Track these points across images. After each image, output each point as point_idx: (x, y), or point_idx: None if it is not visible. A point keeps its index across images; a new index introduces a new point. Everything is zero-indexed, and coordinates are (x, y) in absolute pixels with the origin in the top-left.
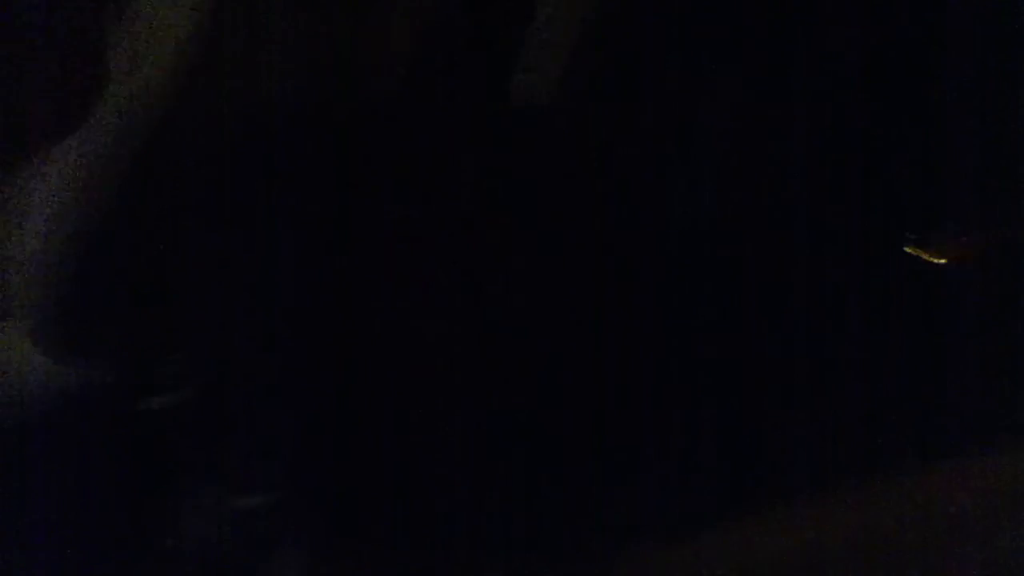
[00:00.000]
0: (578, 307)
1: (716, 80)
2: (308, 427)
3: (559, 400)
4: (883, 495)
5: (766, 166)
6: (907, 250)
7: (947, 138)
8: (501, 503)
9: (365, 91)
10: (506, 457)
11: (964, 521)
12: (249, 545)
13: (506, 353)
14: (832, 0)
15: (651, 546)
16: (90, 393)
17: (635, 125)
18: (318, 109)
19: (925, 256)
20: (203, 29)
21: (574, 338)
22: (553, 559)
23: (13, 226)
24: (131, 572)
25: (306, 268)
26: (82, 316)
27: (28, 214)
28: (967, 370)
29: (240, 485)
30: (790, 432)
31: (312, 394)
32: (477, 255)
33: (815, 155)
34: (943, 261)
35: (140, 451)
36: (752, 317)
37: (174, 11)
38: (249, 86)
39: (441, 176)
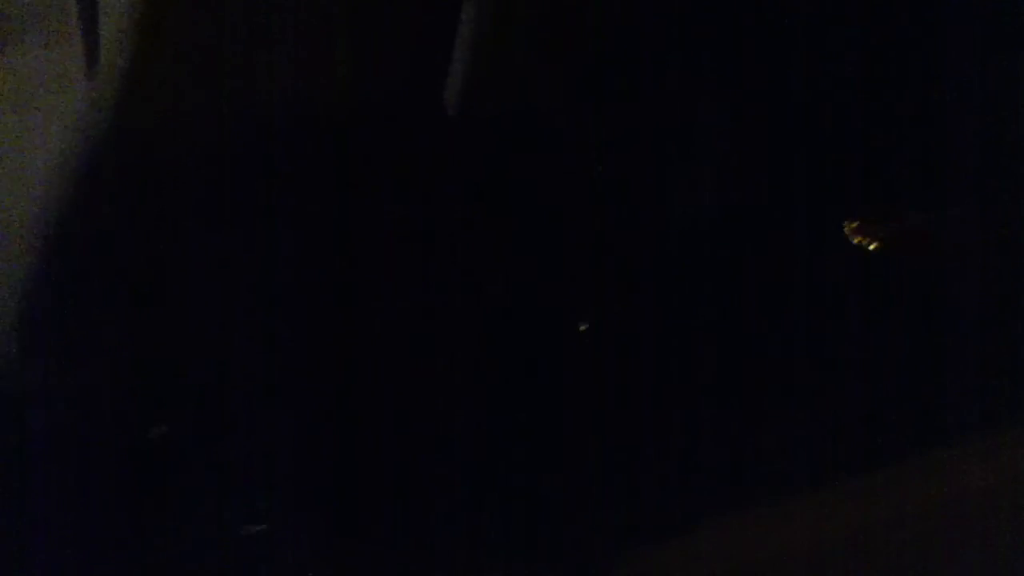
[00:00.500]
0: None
1: (653, 77)
2: (308, 428)
3: (549, 399)
4: (882, 493)
5: (706, 164)
6: (853, 239)
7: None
8: (500, 503)
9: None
10: (506, 457)
11: (964, 520)
12: (249, 547)
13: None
14: None
15: (649, 546)
16: (87, 400)
17: (572, 125)
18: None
19: (861, 240)
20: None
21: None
22: (546, 559)
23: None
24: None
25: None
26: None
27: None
28: (966, 366)
29: (239, 486)
30: (786, 430)
31: (311, 395)
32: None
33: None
34: (875, 245)
35: (137, 458)
36: (742, 313)
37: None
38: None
39: (379, 181)
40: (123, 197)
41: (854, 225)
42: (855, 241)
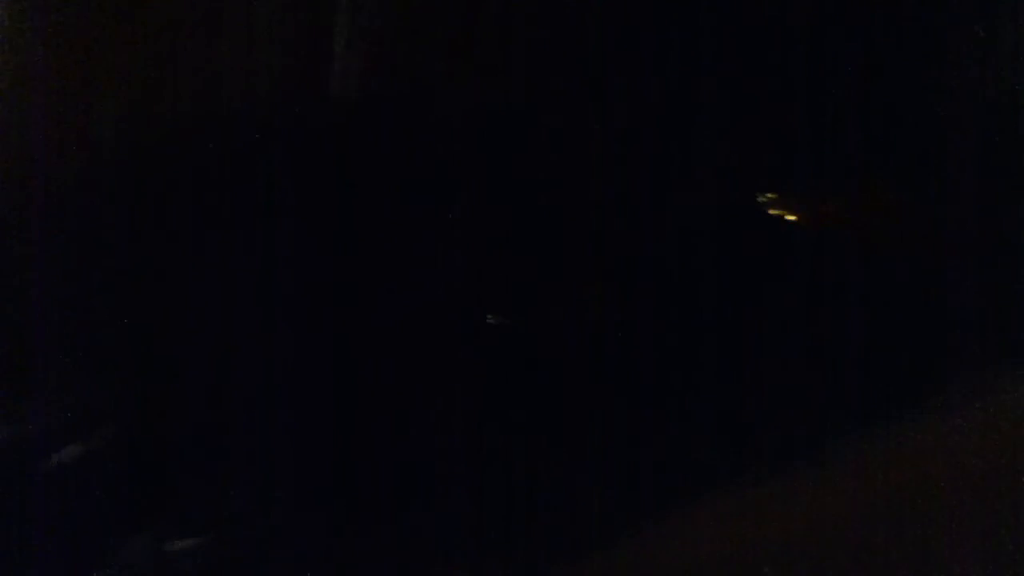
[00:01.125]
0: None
1: (539, 69)
2: (307, 429)
3: (546, 397)
4: (879, 488)
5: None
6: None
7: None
8: (499, 505)
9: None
10: (505, 457)
11: (962, 515)
12: (250, 547)
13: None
14: None
15: (648, 542)
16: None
17: (455, 116)
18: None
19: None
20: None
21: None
22: (546, 558)
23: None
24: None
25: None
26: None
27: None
28: (964, 359)
29: (241, 488)
30: (784, 425)
31: (308, 397)
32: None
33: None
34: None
35: (141, 456)
36: (731, 302)
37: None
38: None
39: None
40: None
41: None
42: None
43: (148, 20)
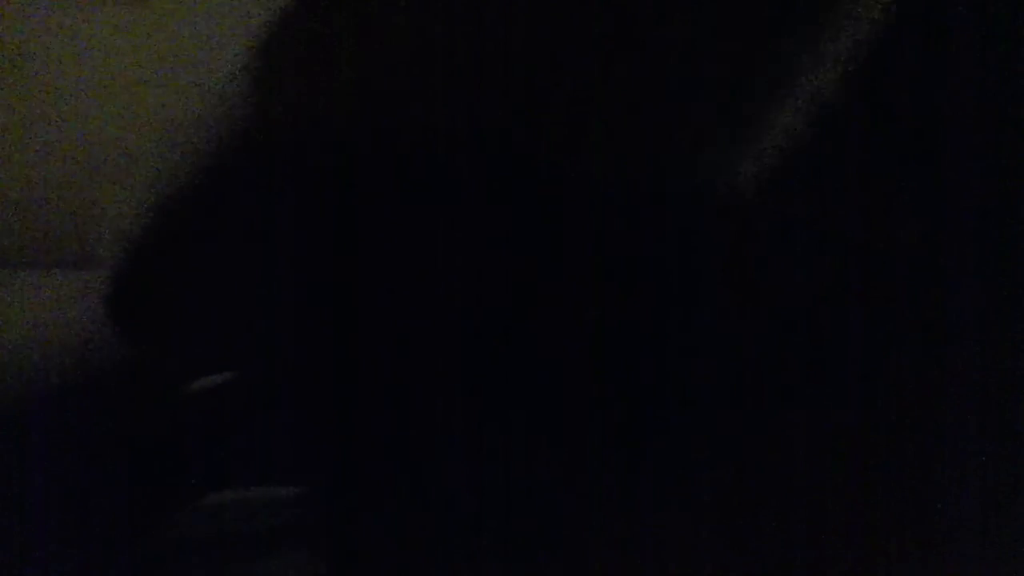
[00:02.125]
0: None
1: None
2: (306, 427)
3: (546, 400)
4: (880, 494)
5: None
6: None
7: None
8: (499, 506)
9: None
10: (505, 458)
11: (964, 521)
12: (252, 544)
13: None
14: None
15: (651, 548)
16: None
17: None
18: None
19: None
20: None
21: None
22: (546, 560)
23: None
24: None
25: None
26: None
27: None
28: (966, 370)
29: (246, 482)
30: (784, 431)
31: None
32: None
33: None
34: None
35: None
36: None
37: None
38: None
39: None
40: None
41: None
42: None
43: None
